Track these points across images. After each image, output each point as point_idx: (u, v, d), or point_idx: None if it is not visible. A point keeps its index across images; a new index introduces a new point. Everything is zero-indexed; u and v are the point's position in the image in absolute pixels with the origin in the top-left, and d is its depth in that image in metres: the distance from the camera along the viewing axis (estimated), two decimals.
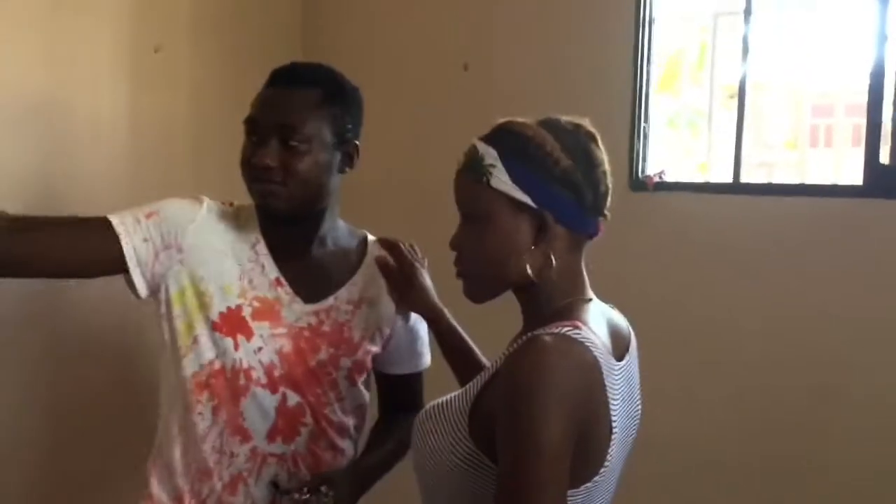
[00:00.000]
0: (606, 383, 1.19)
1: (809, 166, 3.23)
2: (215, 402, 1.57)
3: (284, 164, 1.52)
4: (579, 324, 1.20)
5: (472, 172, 1.28)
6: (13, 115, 1.96)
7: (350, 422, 1.69)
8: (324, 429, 1.64)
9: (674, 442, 2.24)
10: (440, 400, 1.30)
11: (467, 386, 1.28)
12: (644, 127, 2.36)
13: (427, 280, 1.66)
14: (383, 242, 1.70)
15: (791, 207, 2.15)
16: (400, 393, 1.76)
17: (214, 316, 1.56)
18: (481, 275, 1.30)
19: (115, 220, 1.52)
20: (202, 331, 1.56)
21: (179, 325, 1.57)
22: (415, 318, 1.71)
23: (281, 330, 1.59)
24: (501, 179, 1.25)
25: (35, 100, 2.04)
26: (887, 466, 2.02)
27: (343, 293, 1.65)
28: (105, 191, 2.24)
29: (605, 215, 1.31)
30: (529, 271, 1.25)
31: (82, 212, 1.57)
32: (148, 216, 1.54)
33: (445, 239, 1.32)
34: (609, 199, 1.31)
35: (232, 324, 1.57)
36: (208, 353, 1.56)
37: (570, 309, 1.25)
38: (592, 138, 1.30)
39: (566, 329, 1.18)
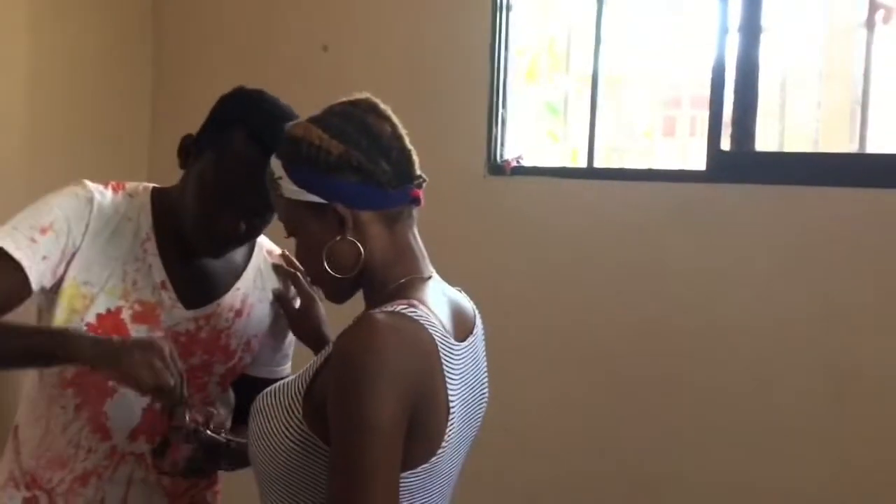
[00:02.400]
0: (443, 362, 1.19)
1: (664, 154, 3.39)
2: (79, 400, 1.53)
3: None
4: (415, 302, 1.20)
5: (270, 188, 1.29)
6: None
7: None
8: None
9: (520, 427, 2.29)
10: (277, 384, 1.28)
11: (305, 367, 1.26)
12: (502, 112, 2.40)
13: (322, 312, 1.63)
14: (281, 271, 1.64)
15: (641, 192, 2.23)
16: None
17: (91, 317, 1.51)
18: (320, 279, 1.30)
19: (10, 248, 1.44)
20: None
21: (55, 321, 1.51)
22: (285, 324, 1.67)
23: (158, 334, 1.55)
24: (290, 188, 1.26)
25: None
26: (733, 450, 2.13)
27: (227, 299, 1.60)
28: None
29: (416, 180, 1.28)
30: (346, 262, 1.25)
31: None
32: (43, 231, 1.47)
33: None
34: (413, 162, 1.28)
35: (108, 326, 1.52)
36: None
37: (407, 287, 1.25)
38: (371, 110, 1.28)
39: (401, 307, 1.18)
